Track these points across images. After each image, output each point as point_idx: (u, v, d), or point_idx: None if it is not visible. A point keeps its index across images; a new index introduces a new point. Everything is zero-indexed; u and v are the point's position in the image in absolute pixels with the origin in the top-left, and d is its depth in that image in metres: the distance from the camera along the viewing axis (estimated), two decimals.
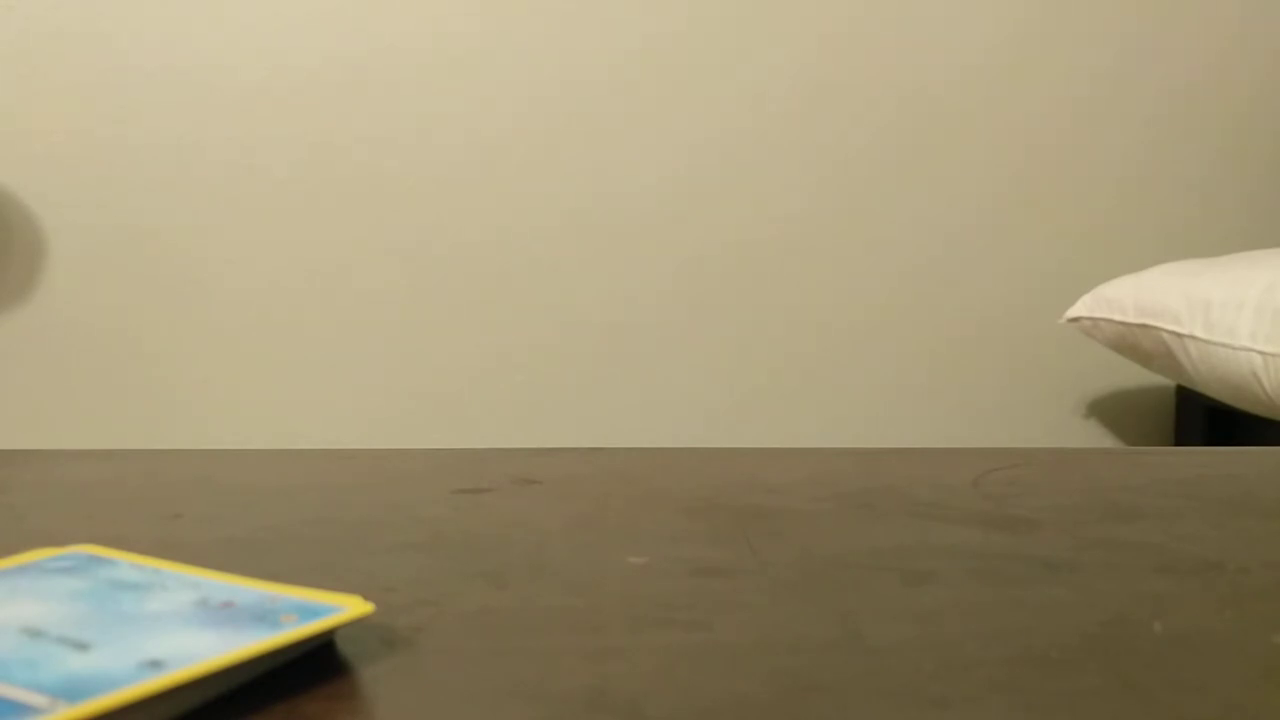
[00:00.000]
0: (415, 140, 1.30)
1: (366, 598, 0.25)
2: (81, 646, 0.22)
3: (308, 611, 0.24)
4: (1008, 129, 1.33)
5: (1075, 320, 1.21)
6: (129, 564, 0.28)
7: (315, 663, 0.24)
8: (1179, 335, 1.08)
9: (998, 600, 0.29)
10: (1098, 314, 1.18)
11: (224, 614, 0.24)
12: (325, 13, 1.29)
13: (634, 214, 1.33)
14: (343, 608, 0.25)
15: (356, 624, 0.25)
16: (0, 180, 1.27)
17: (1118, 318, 1.16)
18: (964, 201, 1.33)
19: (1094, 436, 1.42)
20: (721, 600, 0.29)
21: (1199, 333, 1.06)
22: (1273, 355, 0.99)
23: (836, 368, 1.37)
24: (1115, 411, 1.42)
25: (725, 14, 1.32)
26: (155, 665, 0.21)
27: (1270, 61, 1.34)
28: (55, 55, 1.27)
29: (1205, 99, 1.34)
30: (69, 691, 0.20)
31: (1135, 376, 1.36)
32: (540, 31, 1.30)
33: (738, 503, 0.39)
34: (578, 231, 1.32)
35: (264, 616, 0.24)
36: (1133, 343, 1.16)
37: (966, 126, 1.33)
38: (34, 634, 0.23)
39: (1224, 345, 1.04)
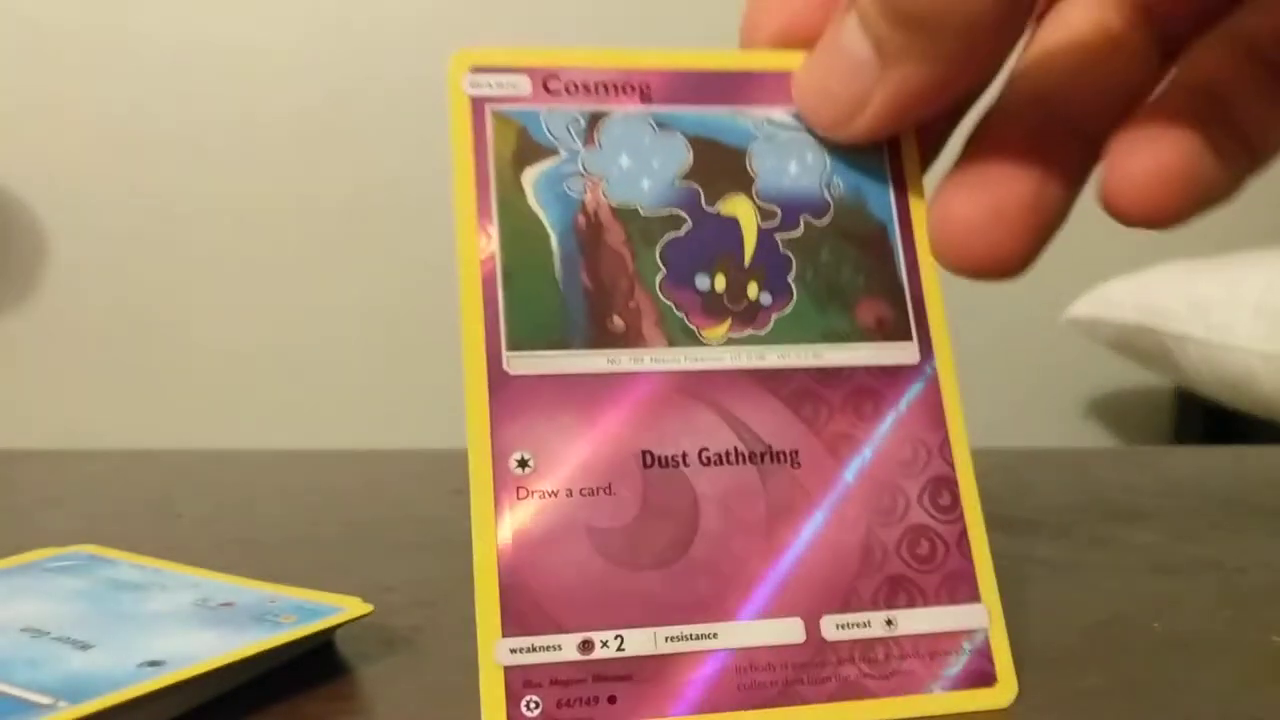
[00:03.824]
0: (416, 139, 1.30)
1: (366, 598, 0.25)
2: (82, 646, 0.22)
3: (307, 612, 0.24)
4: None
5: (1075, 320, 1.21)
6: (129, 564, 0.28)
7: (315, 663, 0.24)
8: (1178, 335, 1.08)
9: None
10: (1098, 314, 1.18)
11: (224, 614, 0.24)
12: (321, 29, 1.29)
13: None
14: (342, 608, 0.25)
15: (356, 624, 0.25)
16: (0, 180, 1.27)
17: (1118, 318, 1.16)
18: None
19: (1094, 436, 1.42)
20: None
21: (1198, 333, 1.06)
22: (1272, 355, 0.99)
23: None
24: (1115, 411, 1.42)
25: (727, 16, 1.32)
26: (155, 665, 0.21)
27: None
28: (56, 55, 1.27)
29: None
30: (70, 691, 0.20)
31: (1135, 376, 1.36)
32: (530, 35, 1.30)
33: None
34: None
35: (264, 616, 0.24)
36: (1132, 343, 1.16)
37: (966, 124, 1.33)
38: (35, 633, 0.23)
39: (1223, 346, 1.04)
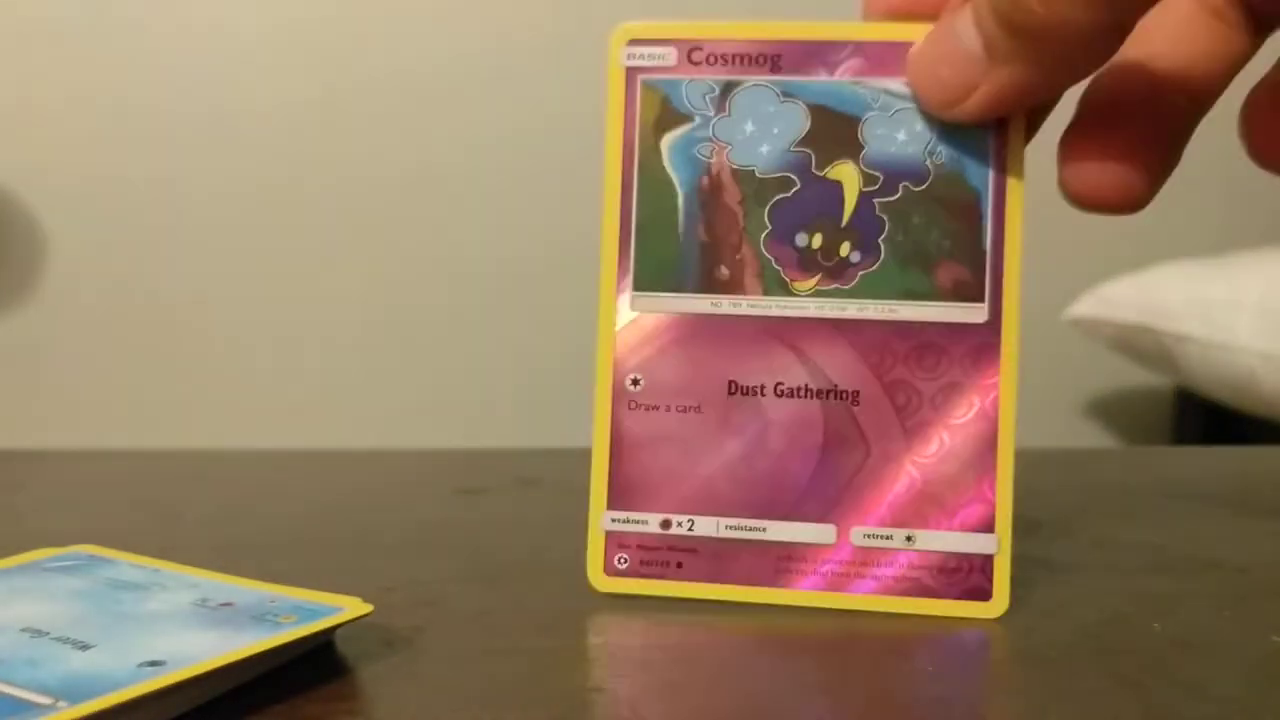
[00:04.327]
0: (415, 143, 1.30)
1: (366, 598, 0.25)
2: (82, 646, 0.22)
3: (307, 612, 0.24)
4: None
5: (1075, 320, 1.21)
6: (129, 564, 0.28)
7: (315, 663, 0.24)
8: (1178, 335, 1.08)
9: None
10: (1098, 314, 1.18)
11: (224, 614, 0.24)
12: (323, 23, 1.29)
13: None
14: (342, 608, 0.25)
15: (356, 624, 0.25)
16: (0, 180, 1.27)
17: (1118, 318, 1.16)
18: None
19: (1094, 436, 1.42)
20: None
21: (1198, 333, 1.06)
22: (1272, 356, 0.99)
23: None
24: (1115, 411, 1.42)
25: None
26: (155, 665, 0.21)
27: (1272, 60, 1.34)
28: (56, 55, 1.27)
29: None
30: (70, 691, 0.20)
31: (1135, 376, 1.36)
32: (542, 45, 1.30)
33: None
34: (576, 231, 1.32)
35: (263, 617, 0.24)
36: (1133, 343, 1.16)
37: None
38: (35, 633, 0.23)
39: (1223, 346, 1.04)
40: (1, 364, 1.30)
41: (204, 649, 0.22)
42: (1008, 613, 0.27)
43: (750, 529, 0.28)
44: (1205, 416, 1.25)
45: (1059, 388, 1.40)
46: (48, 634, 0.23)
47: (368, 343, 1.32)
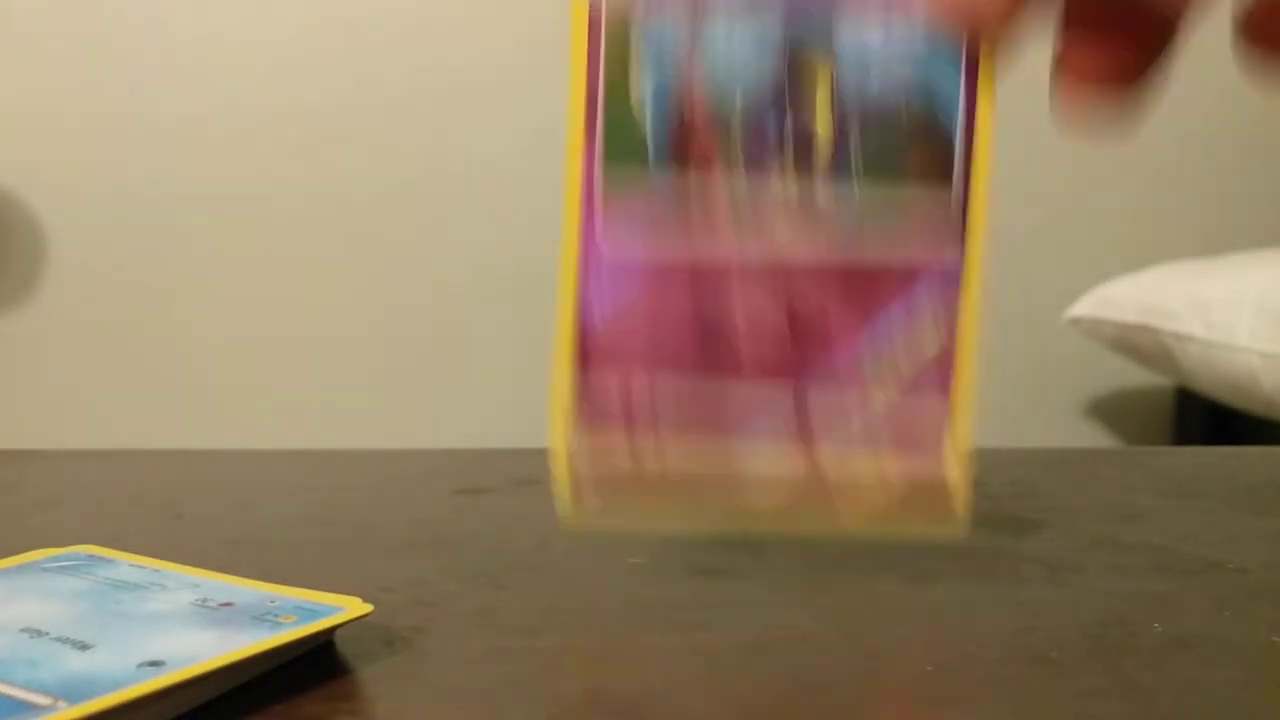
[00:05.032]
0: (413, 145, 1.30)
1: (366, 598, 0.25)
2: (82, 646, 0.22)
3: (307, 612, 0.24)
4: (1007, 127, 1.32)
5: (1075, 320, 1.21)
6: (129, 564, 0.28)
7: (315, 663, 0.24)
8: (1179, 335, 1.08)
9: (998, 600, 0.29)
10: (1098, 314, 1.18)
11: (224, 614, 0.24)
12: (321, 25, 1.29)
13: None
14: (342, 608, 0.25)
15: (356, 624, 0.25)
16: (0, 180, 1.27)
17: (1118, 318, 1.16)
18: None
19: (1094, 436, 1.42)
20: (721, 600, 0.29)
21: (1198, 333, 1.06)
22: (1272, 355, 0.99)
23: None
24: (1115, 411, 1.42)
25: None
26: (155, 665, 0.21)
27: None
28: (56, 56, 1.27)
29: (1205, 98, 1.34)
30: (70, 691, 0.20)
31: (1135, 376, 1.36)
32: (531, 56, 1.30)
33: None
34: None
35: (263, 616, 0.24)
36: (1133, 343, 1.16)
37: None
38: (35, 633, 0.23)
39: (1223, 345, 1.04)
40: (1, 364, 1.30)
41: (204, 649, 0.22)
42: (1009, 612, 0.27)
43: (710, 395, 0.28)
44: (1205, 416, 1.25)
45: (1059, 388, 1.40)
46: (47, 634, 0.23)
47: (368, 343, 1.32)
